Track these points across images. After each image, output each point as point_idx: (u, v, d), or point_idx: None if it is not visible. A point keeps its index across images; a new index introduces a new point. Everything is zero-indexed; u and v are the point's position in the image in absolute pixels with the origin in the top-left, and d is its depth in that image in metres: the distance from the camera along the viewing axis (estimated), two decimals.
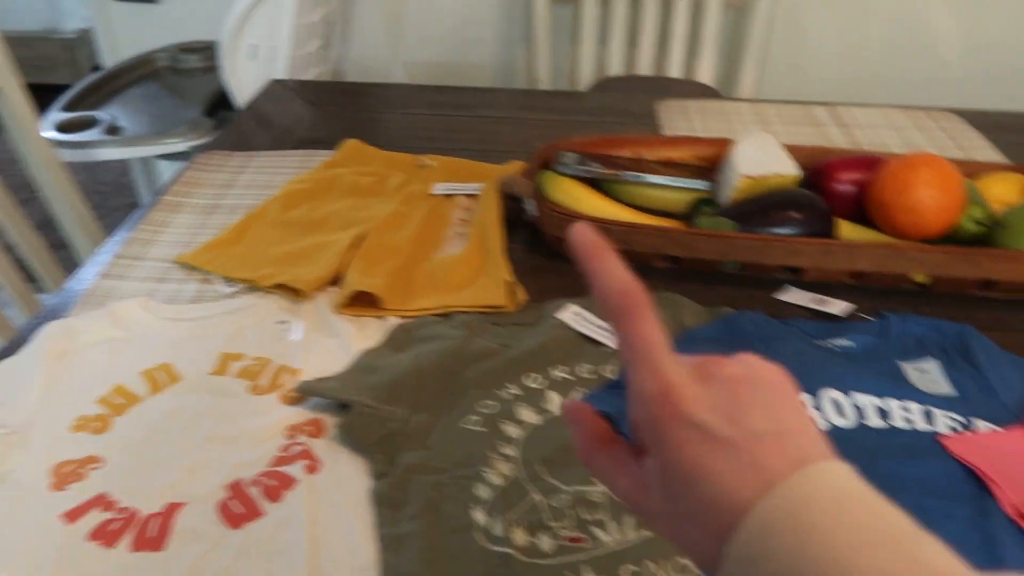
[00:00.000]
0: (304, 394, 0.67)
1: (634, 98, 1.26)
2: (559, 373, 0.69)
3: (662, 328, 0.32)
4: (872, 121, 1.16)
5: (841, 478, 0.30)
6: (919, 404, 0.65)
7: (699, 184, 0.85)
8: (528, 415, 0.65)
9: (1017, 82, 1.77)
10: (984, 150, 1.09)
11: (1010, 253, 0.73)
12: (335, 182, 0.95)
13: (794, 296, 0.79)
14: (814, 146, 0.91)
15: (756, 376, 0.33)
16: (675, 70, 1.61)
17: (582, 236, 0.34)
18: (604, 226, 0.78)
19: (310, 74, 1.48)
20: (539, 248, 0.86)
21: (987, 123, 1.16)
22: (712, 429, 0.30)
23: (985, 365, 0.69)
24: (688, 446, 0.30)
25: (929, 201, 0.74)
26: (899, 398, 0.66)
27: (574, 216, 0.80)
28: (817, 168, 0.85)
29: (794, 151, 0.88)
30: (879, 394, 0.66)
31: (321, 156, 1.04)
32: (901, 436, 0.63)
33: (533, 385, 0.68)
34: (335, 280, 0.79)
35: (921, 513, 0.55)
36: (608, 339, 0.71)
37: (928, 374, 0.69)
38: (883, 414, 0.64)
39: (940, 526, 0.54)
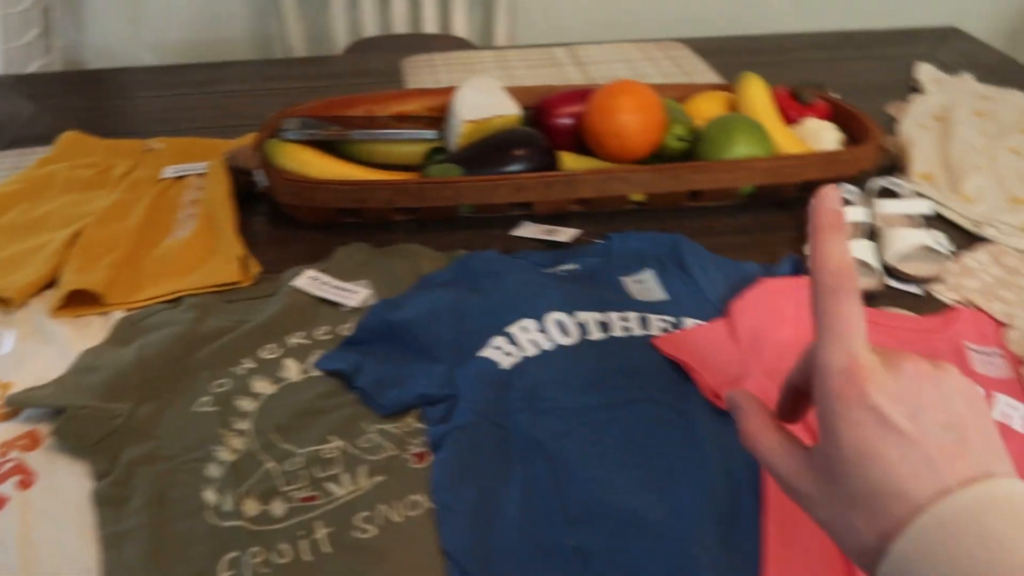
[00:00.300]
0: (15, 406, 0.62)
1: (382, 57, 1.25)
2: (295, 340, 0.68)
3: (863, 315, 0.33)
4: (606, 57, 1.22)
5: (1007, 490, 0.29)
6: (636, 312, 0.71)
7: (427, 134, 0.86)
8: (263, 386, 0.64)
9: (744, 7, 1.92)
10: (705, 73, 1.18)
11: (707, 164, 0.80)
12: (51, 179, 0.88)
13: (527, 230, 0.82)
14: (536, 86, 0.95)
15: (945, 379, 0.32)
16: (430, 26, 1.61)
17: (825, 203, 0.34)
18: (333, 187, 0.78)
19: (34, 66, 1.35)
20: (276, 218, 0.84)
21: (708, 48, 1.25)
22: (890, 416, 0.30)
23: (694, 268, 0.75)
24: (863, 427, 0.30)
25: (631, 124, 0.79)
26: (619, 310, 0.71)
27: (304, 182, 0.79)
28: (538, 106, 0.88)
29: (518, 92, 0.91)
30: (601, 309, 0.71)
31: (40, 154, 0.96)
32: (620, 343, 0.68)
33: (268, 356, 0.67)
34: (52, 282, 0.74)
35: (634, 404, 0.61)
36: (345, 298, 0.72)
37: (645, 284, 0.75)
38: (604, 327, 0.69)
39: (648, 411, 0.60)
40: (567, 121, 0.85)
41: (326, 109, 0.91)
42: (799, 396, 0.40)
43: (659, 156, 0.85)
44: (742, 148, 0.81)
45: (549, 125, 0.86)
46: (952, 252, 0.77)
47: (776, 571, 0.50)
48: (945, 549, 0.27)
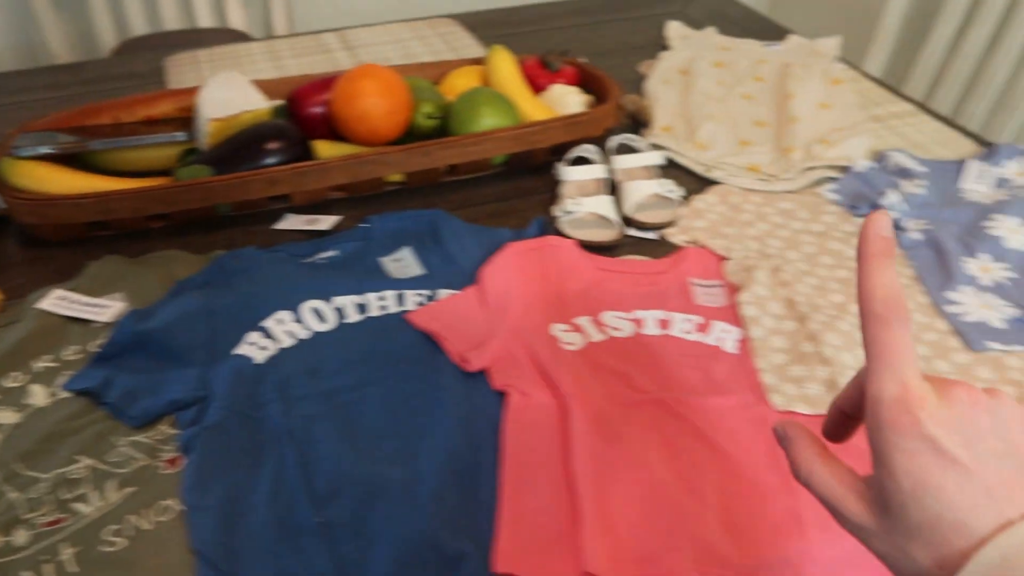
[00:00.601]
0: None
1: (147, 57, 1.20)
2: (42, 364, 0.66)
3: (913, 344, 0.32)
4: (377, 39, 1.23)
5: None
6: (394, 291, 0.73)
7: (177, 136, 0.84)
8: (7, 416, 0.62)
9: None
10: (472, 48, 1.21)
11: (456, 139, 0.83)
12: None
13: (289, 223, 0.83)
14: (288, 77, 0.95)
15: (999, 407, 0.32)
16: (205, 19, 1.56)
17: (873, 228, 0.33)
18: (72, 201, 0.76)
19: None
20: (27, 240, 0.80)
21: (476, 23, 1.29)
22: (945, 446, 0.30)
23: (449, 241, 0.79)
24: (918, 457, 0.30)
25: (376, 108, 0.81)
26: (376, 290, 0.73)
27: (39, 199, 0.76)
28: (291, 97, 0.88)
29: (271, 84, 0.91)
30: (358, 292, 0.73)
31: None
32: (376, 322, 0.70)
33: (12, 385, 0.65)
34: None
35: (387, 380, 0.64)
36: (96, 314, 0.70)
37: (403, 262, 0.77)
38: (362, 308, 0.71)
39: (399, 384, 0.63)
40: (318, 110, 0.86)
41: (69, 120, 0.87)
42: (847, 420, 0.39)
43: (412, 135, 0.87)
44: (488, 120, 0.85)
45: (303, 115, 0.87)
46: (683, 197, 0.84)
47: (509, 513, 0.55)
48: None
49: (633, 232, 0.82)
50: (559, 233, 0.81)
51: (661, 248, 0.81)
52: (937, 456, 0.30)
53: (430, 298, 0.73)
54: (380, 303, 0.72)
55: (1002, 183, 0.90)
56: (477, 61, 1.01)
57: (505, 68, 0.94)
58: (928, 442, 0.30)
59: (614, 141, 0.91)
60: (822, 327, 0.69)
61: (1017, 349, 0.68)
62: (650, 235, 0.82)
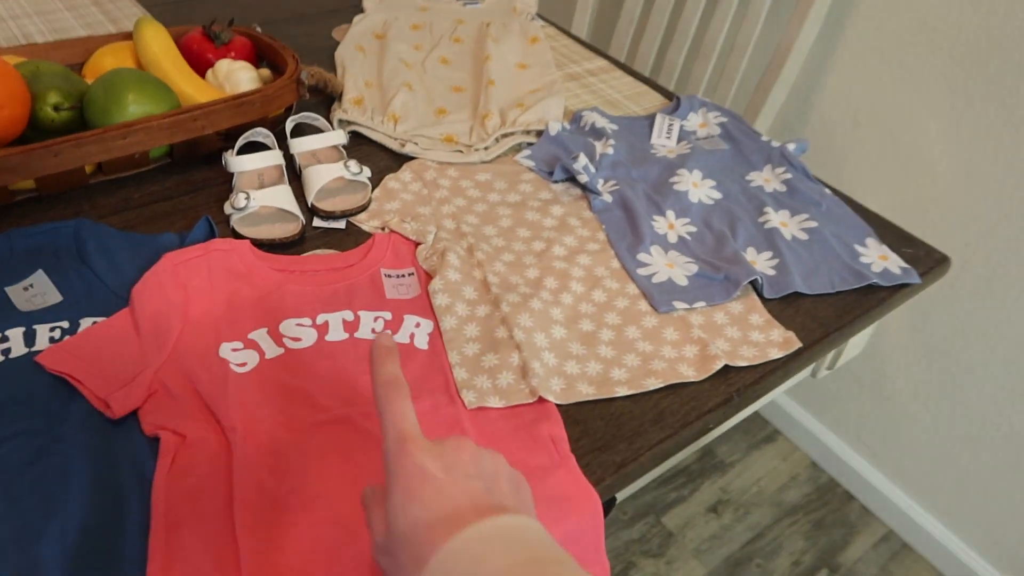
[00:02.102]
0: None
1: None
2: None
3: (411, 408, 0.41)
4: (20, 11, 1.03)
5: (512, 524, 0.37)
6: (19, 327, 0.61)
7: None
8: None
9: None
10: (139, 16, 1.05)
11: (92, 134, 0.70)
12: None
13: None
14: None
15: (481, 451, 0.41)
16: None
17: (377, 344, 0.44)
18: None
19: None
20: None
21: None
22: (428, 468, 0.38)
23: (94, 256, 0.67)
24: (409, 478, 0.38)
25: None
26: (2, 329, 0.60)
27: None
28: None
29: None
30: None
31: None
32: None
33: None
34: None
35: (5, 446, 0.52)
36: None
37: (34, 288, 0.64)
38: None
39: (19, 446, 0.51)
40: None
41: None
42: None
43: (42, 131, 0.73)
44: (135, 107, 0.73)
45: None
46: (369, 178, 0.78)
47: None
48: (457, 570, 0.34)
49: (319, 223, 0.75)
50: (232, 233, 0.71)
51: (351, 238, 0.74)
52: (421, 475, 0.38)
53: (68, 331, 0.61)
54: (2, 346, 0.59)
55: (686, 136, 0.92)
56: (128, 36, 0.87)
57: (156, 43, 0.81)
58: (414, 466, 0.38)
59: (290, 122, 0.82)
60: (514, 308, 0.66)
61: (699, 306, 0.70)
62: (337, 224, 0.75)
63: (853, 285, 0.74)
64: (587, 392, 0.61)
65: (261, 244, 0.70)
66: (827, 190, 0.86)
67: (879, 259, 0.78)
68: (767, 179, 0.87)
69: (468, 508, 0.37)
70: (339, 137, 0.80)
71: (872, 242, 0.79)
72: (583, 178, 0.81)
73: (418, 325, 0.65)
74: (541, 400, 0.60)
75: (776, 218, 0.81)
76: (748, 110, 1.31)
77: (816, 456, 1.71)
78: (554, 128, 0.88)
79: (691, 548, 1.54)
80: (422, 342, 0.64)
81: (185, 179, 0.78)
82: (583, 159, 0.81)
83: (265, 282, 0.67)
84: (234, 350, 0.61)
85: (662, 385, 0.62)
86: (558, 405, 0.60)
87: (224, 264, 0.67)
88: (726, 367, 0.64)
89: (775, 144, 0.90)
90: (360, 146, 0.86)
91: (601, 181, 0.83)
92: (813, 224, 0.80)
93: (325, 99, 0.91)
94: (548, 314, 0.67)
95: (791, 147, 0.90)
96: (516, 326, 0.64)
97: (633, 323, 0.68)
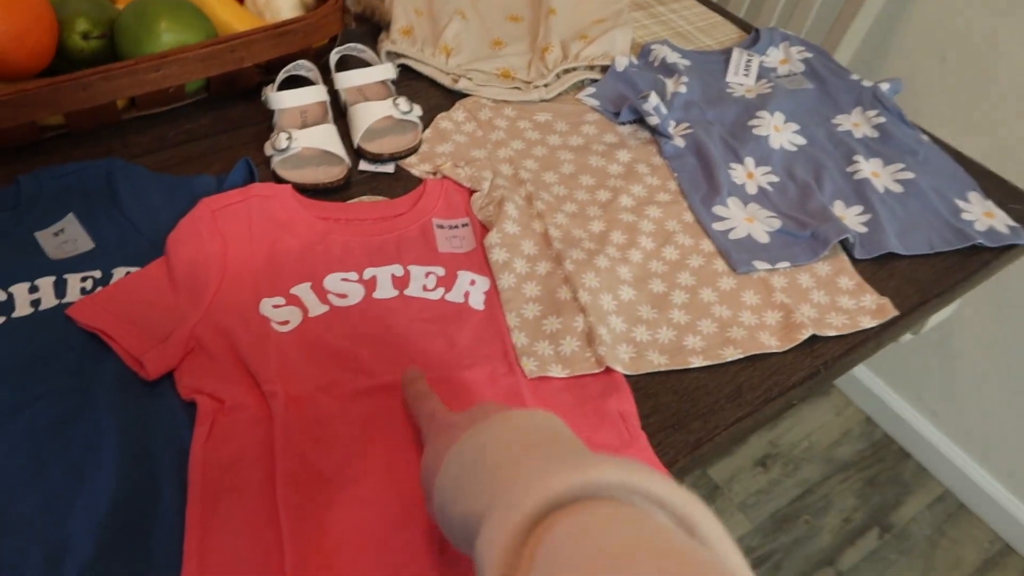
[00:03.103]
0: None
1: None
2: None
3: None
4: None
5: (516, 415, 0.38)
6: (50, 276, 0.57)
7: None
8: None
9: None
10: None
11: (122, 65, 0.64)
12: None
13: None
14: None
15: (486, 405, 0.42)
16: None
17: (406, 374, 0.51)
18: None
19: None
20: None
21: None
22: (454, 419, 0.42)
23: (128, 201, 0.62)
24: (439, 433, 0.41)
25: None
26: (28, 279, 0.56)
27: None
28: None
29: None
30: (3, 285, 0.55)
31: None
32: (24, 323, 0.54)
33: None
34: None
35: (39, 401, 0.48)
36: None
37: (64, 234, 0.60)
38: (5, 307, 0.54)
39: (53, 406, 0.48)
40: None
41: None
42: None
43: (70, 62, 0.68)
44: (169, 36, 0.67)
45: None
46: (420, 117, 0.71)
47: (195, 567, 0.43)
48: (463, 459, 0.36)
49: (366, 166, 0.69)
50: (273, 177, 0.66)
51: (400, 184, 0.68)
52: (447, 427, 0.41)
53: (101, 281, 0.57)
54: (32, 297, 0.55)
55: (766, 73, 0.84)
56: None
57: None
58: (441, 420, 0.44)
59: (337, 53, 0.75)
60: (578, 267, 0.60)
61: (781, 266, 0.63)
62: (386, 168, 0.69)
63: (955, 245, 0.66)
64: (659, 362, 0.56)
65: (304, 189, 0.65)
66: (925, 137, 0.77)
67: (984, 216, 0.69)
68: (857, 123, 0.78)
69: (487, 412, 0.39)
70: (387, 71, 0.73)
71: (976, 196, 0.71)
72: (653, 120, 0.74)
73: (473, 283, 0.60)
74: (608, 370, 0.54)
75: (867, 167, 0.73)
76: (827, 41, 1.20)
77: (872, 411, 1.65)
78: (621, 63, 0.80)
79: (737, 502, 1.50)
80: (478, 301, 0.59)
81: (223, 116, 0.73)
82: (654, 98, 0.73)
83: (309, 231, 0.61)
84: (275, 306, 0.56)
85: (741, 356, 0.56)
86: (627, 376, 0.55)
87: (265, 211, 0.62)
88: (812, 336, 0.58)
89: (866, 84, 0.81)
90: (410, 81, 0.79)
91: (673, 124, 0.75)
92: (909, 175, 0.72)
93: (372, 29, 0.84)
94: (615, 273, 0.61)
95: (884, 87, 0.81)
96: (581, 286, 0.58)
97: (708, 284, 0.62)
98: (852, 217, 0.68)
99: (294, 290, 0.58)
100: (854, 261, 0.65)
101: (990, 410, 1.40)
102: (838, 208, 0.69)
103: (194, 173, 0.66)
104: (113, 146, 0.69)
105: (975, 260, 0.67)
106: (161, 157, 0.68)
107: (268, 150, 0.66)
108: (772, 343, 0.57)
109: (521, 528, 0.28)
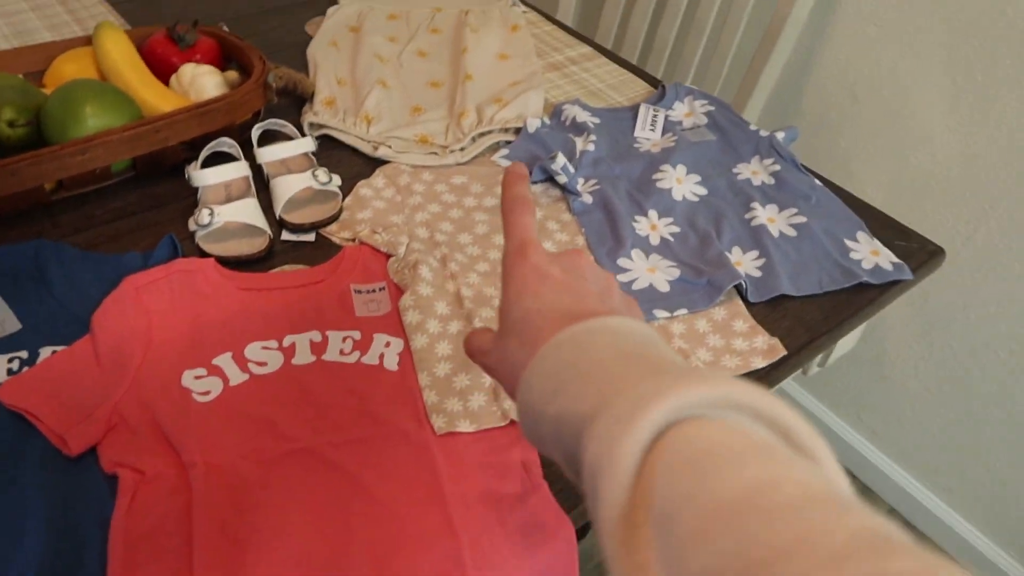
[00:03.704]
0: None
1: None
2: None
3: (534, 223, 0.42)
4: None
5: (621, 322, 0.35)
6: None
7: None
8: None
9: None
10: (104, 16, 1.02)
11: (49, 151, 0.68)
12: None
13: None
14: None
15: (578, 254, 0.41)
16: None
17: (509, 173, 0.44)
18: None
19: None
20: None
21: None
22: (544, 268, 0.39)
23: (56, 281, 0.65)
24: (526, 277, 0.38)
25: None
26: None
27: None
28: None
29: None
30: None
31: None
32: None
33: None
34: None
35: None
36: None
37: None
38: None
39: None
40: None
41: None
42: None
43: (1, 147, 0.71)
44: (94, 120, 0.70)
45: None
46: (340, 186, 0.75)
47: None
48: (562, 357, 0.33)
49: (288, 236, 0.72)
50: (198, 251, 0.69)
51: (321, 251, 0.72)
52: (537, 273, 0.39)
53: (27, 361, 0.59)
54: None
55: (671, 127, 0.89)
56: (84, 40, 0.84)
57: (116, 50, 0.78)
58: (532, 266, 0.39)
59: (259, 129, 0.79)
60: (487, 325, 0.64)
61: (680, 313, 0.67)
62: (307, 237, 0.72)
63: (842, 284, 0.72)
64: None
65: (227, 261, 0.68)
66: (817, 182, 0.83)
67: (870, 255, 0.75)
68: (755, 171, 0.84)
69: (582, 308, 0.36)
70: (307, 144, 0.77)
71: (863, 236, 0.77)
72: (561, 179, 0.78)
73: (388, 344, 0.63)
74: (513, 423, 0.58)
75: (764, 214, 0.78)
76: (742, 88, 1.27)
77: None
78: (532, 125, 0.85)
79: None
80: (391, 363, 0.62)
81: (149, 193, 0.76)
82: (561, 159, 0.78)
83: (231, 303, 0.65)
84: (197, 377, 0.59)
85: None
86: None
87: (188, 285, 0.65)
88: None
89: (764, 133, 0.87)
90: (332, 151, 0.83)
91: (581, 181, 0.80)
92: (802, 219, 0.77)
93: (296, 101, 0.88)
94: None
95: (780, 136, 0.86)
96: None
97: None
98: (749, 262, 0.73)
99: (216, 360, 0.61)
100: (749, 304, 0.70)
101: (924, 429, 1.46)
102: (735, 254, 0.74)
103: (122, 250, 0.69)
104: (43, 226, 0.71)
105: (862, 297, 0.72)
106: (89, 235, 0.71)
107: (192, 226, 0.70)
108: None
109: (647, 436, 0.27)
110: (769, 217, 0.78)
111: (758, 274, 0.72)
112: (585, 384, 0.31)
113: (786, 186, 0.81)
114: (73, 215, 0.73)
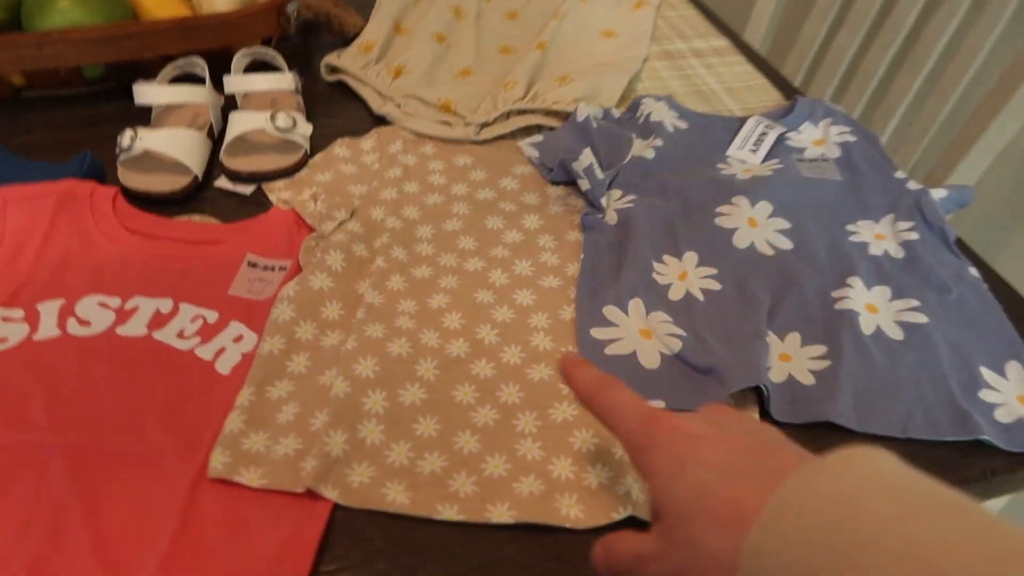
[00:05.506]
0: None
1: None
2: None
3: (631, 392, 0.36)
4: None
5: (853, 457, 0.29)
6: None
7: None
8: None
9: None
10: None
11: (6, 39, 0.60)
12: None
13: None
14: None
15: (718, 407, 0.36)
16: None
17: (573, 371, 0.38)
18: None
19: None
20: None
21: None
22: (692, 429, 0.33)
23: None
24: (672, 446, 0.32)
25: None
26: None
27: None
28: None
29: None
30: None
31: None
32: None
33: None
34: None
35: None
36: None
37: None
38: None
39: None
40: None
41: None
42: None
43: None
44: (64, 15, 0.62)
45: None
46: (307, 136, 0.61)
47: None
48: (796, 527, 0.26)
49: (223, 183, 0.59)
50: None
51: (250, 208, 0.58)
52: (692, 437, 0.32)
53: None
54: None
55: (784, 153, 0.64)
56: None
57: None
58: (680, 430, 0.33)
59: (245, 56, 0.66)
60: (363, 345, 0.46)
61: (655, 404, 0.44)
62: (242, 189, 0.59)
63: (946, 436, 0.44)
64: (397, 500, 0.40)
65: (135, 195, 0.57)
66: (973, 270, 0.54)
67: (1017, 400, 0.46)
68: (880, 235, 0.57)
69: (778, 463, 0.30)
70: (284, 81, 0.63)
71: (1017, 369, 0.48)
72: (584, 184, 0.58)
73: (239, 339, 0.48)
74: (312, 495, 0.40)
75: (863, 297, 0.52)
76: (961, 135, 0.94)
77: None
78: (583, 112, 0.64)
79: None
80: (226, 365, 0.46)
81: (125, 107, 0.66)
82: (587, 157, 0.57)
83: (108, 242, 0.53)
84: (5, 319, 0.48)
85: (512, 522, 0.39)
86: (338, 507, 0.40)
87: (70, 212, 0.54)
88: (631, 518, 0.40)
89: (912, 186, 0.60)
90: (340, 100, 0.69)
91: (619, 193, 0.59)
92: (921, 319, 0.50)
93: (337, 41, 0.75)
94: (412, 363, 0.46)
95: (938, 194, 0.58)
96: (349, 371, 0.44)
97: (536, 408, 0.45)
98: (803, 359, 0.48)
99: (41, 305, 0.49)
100: (774, 422, 0.45)
101: None
102: (787, 343, 0.49)
103: (65, 160, 0.60)
104: (2, 121, 0.65)
105: (977, 463, 0.44)
106: (36, 138, 0.63)
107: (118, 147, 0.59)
108: (572, 514, 0.40)
109: None
110: (869, 303, 0.51)
111: (809, 381, 0.47)
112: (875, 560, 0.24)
113: (918, 266, 0.54)
114: (35, 115, 0.66)
